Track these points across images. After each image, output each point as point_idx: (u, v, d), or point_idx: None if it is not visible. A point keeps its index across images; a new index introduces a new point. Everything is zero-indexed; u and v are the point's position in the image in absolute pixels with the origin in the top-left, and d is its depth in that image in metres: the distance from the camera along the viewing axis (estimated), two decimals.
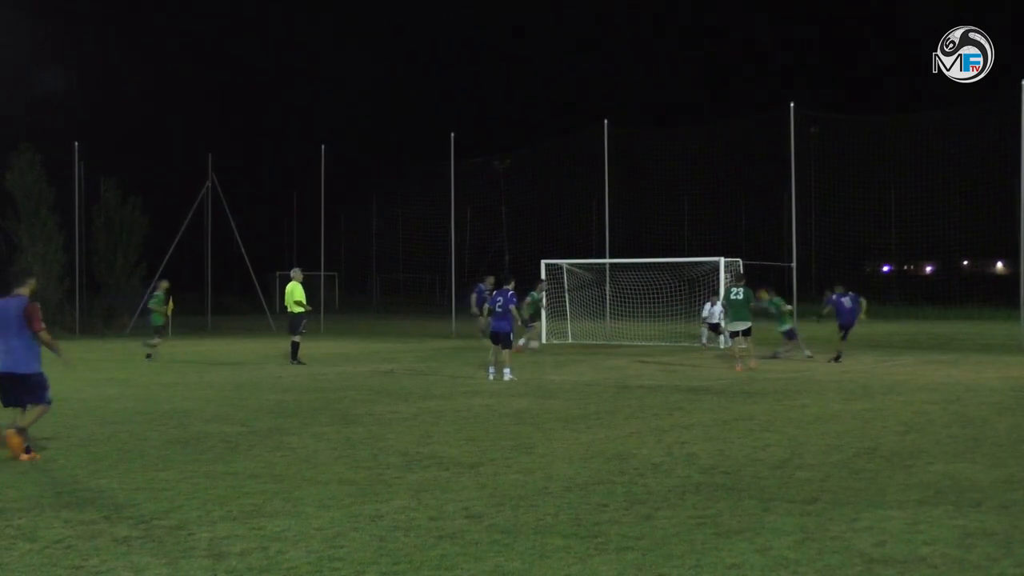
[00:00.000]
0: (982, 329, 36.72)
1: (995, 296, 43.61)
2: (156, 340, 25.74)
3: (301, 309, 23.90)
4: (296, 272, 24.47)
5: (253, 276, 42.89)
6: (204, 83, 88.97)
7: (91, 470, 10.23)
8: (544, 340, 31.35)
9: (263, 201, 65.37)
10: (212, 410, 15.08)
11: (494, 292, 19.98)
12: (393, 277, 65.62)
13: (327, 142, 41.35)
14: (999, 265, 59.00)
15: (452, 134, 37.94)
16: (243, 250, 42.06)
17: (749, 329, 22.44)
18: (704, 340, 29.88)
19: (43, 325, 11.11)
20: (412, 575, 6.63)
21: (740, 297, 22.74)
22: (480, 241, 56.86)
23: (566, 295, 33.17)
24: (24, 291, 11.24)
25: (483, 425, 13.34)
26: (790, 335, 25.73)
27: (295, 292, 23.85)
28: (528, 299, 28.53)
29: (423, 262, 55.85)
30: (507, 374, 19.44)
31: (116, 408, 15.26)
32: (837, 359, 23.70)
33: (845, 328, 24.16)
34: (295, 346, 23.98)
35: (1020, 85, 27.94)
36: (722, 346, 28.92)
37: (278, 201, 66.73)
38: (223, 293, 50.31)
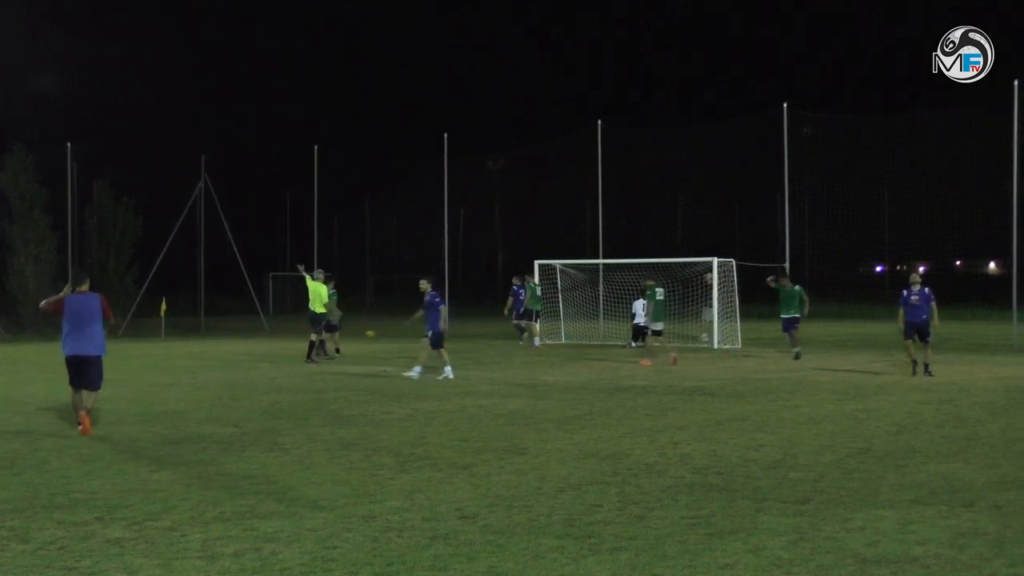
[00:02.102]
0: (975, 329, 36.76)
1: (988, 296, 43.70)
2: (336, 335, 26.80)
3: (323, 309, 24.68)
4: (320, 273, 25.23)
5: (246, 277, 42.84)
6: (197, 84, 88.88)
7: (84, 471, 10.21)
8: (537, 341, 31.38)
9: (256, 202, 65.30)
10: (205, 411, 15.07)
11: (431, 292, 19.91)
12: (387, 277, 65.59)
13: (320, 142, 41.36)
14: (992, 265, 59.15)
15: (445, 134, 37.95)
16: (236, 251, 42.02)
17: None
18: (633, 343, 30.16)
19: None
20: None
21: (662, 298, 24.28)
22: (474, 241, 56.87)
23: (559, 295, 33.20)
24: (85, 288, 13.44)
25: (476, 426, 13.34)
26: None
27: (321, 293, 24.62)
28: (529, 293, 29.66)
29: (417, 262, 55.86)
30: (417, 371, 19.75)
31: (109, 409, 15.22)
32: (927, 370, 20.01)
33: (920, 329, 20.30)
34: (311, 345, 24.71)
35: (1013, 86, 28.01)
36: (715, 346, 28.97)
37: (271, 202, 66.70)
38: (216, 294, 50.22)
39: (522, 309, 30.81)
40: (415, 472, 10.07)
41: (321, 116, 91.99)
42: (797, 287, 25.50)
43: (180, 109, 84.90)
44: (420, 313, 20.11)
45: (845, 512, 8.24)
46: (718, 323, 29.66)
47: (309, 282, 24.80)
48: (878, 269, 57.81)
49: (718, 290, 29.78)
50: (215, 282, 47.89)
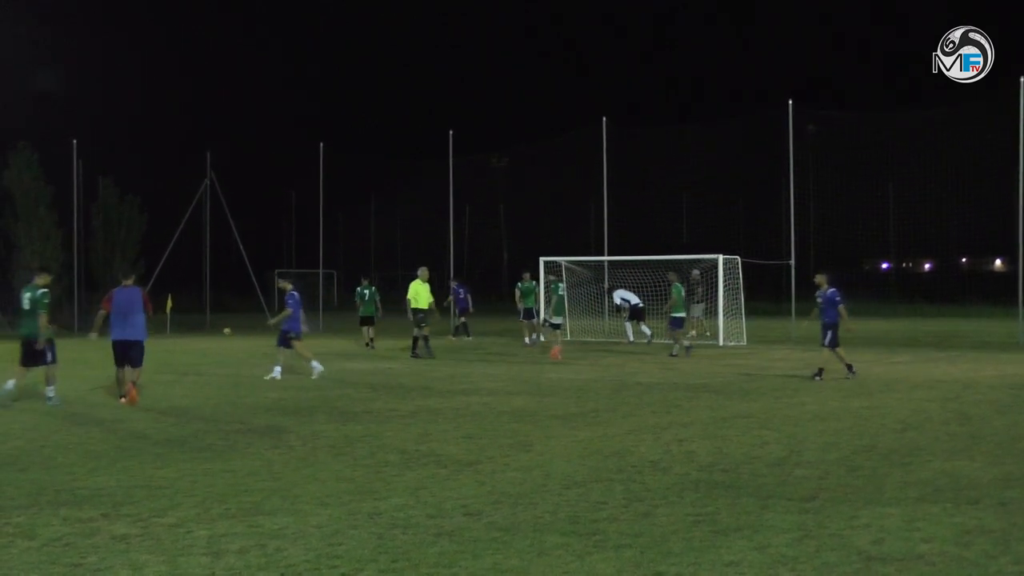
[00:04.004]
0: (980, 326, 36.74)
1: (993, 293, 43.64)
2: (370, 329, 29.26)
3: (427, 306, 25.02)
4: (424, 271, 25.56)
5: (252, 274, 42.86)
6: (202, 82, 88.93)
7: (89, 468, 10.23)
8: (541, 338, 31.39)
9: (261, 199, 65.33)
10: (210, 408, 15.09)
11: (291, 292, 19.99)
12: (391, 275, 65.61)
13: (325, 140, 41.34)
14: (997, 262, 59.03)
15: (450, 132, 37.94)
16: (242, 248, 42.04)
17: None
18: (631, 337, 30.02)
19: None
20: (410, 573, 6.63)
21: (563, 293, 25.28)
22: (478, 239, 56.86)
23: (564, 292, 33.17)
24: (130, 282, 15.99)
25: (481, 423, 13.34)
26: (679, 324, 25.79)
27: (421, 291, 24.95)
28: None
29: (421, 260, 55.86)
30: (277, 372, 19.51)
31: (114, 406, 15.26)
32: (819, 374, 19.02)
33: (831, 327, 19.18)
34: (415, 341, 25.13)
35: (1019, 83, 27.94)
36: (721, 343, 28.95)
37: (277, 199, 66.71)
38: (221, 291, 50.25)
39: (466, 307, 32.34)
40: (420, 469, 10.08)
41: (326, 115, 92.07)
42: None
43: (185, 107, 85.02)
44: (288, 312, 19.98)
45: (850, 509, 8.24)
46: (723, 320, 29.64)
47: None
48: (883, 266, 57.75)
49: (723, 287, 29.77)
50: (220, 279, 47.93)
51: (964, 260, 56.95)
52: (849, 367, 19.08)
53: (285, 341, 19.83)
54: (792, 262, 32.77)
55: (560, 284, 25.31)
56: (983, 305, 44.01)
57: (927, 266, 59.67)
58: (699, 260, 32.22)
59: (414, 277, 25.66)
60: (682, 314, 25.53)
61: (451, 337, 31.63)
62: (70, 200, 39.42)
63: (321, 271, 43.90)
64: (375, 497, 8.77)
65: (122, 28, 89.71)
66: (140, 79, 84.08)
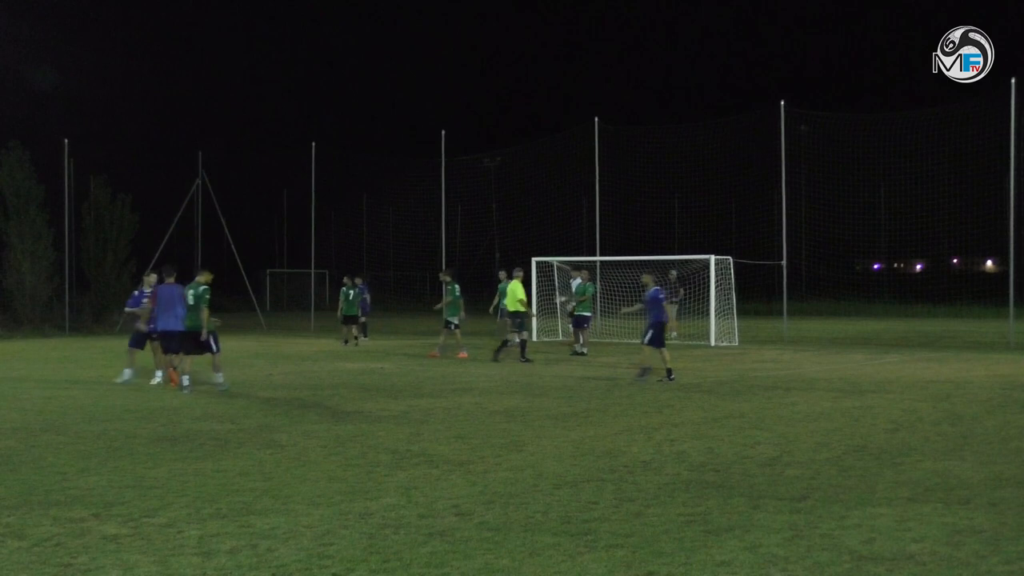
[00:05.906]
0: (971, 327, 36.83)
1: (984, 294, 43.76)
2: (353, 328, 30.12)
3: (524, 308, 24.27)
4: (519, 271, 25.02)
5: (244, 274, 42.77)
6: (194, 80, 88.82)
7: (80, 467, 10.20)
8: (535, 337, 31.39)
9: (253, 198, 65.21)
10: (202, 407, 15.06)
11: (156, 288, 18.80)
12: (383, 275, 65.61)
13: (317, 139, 41.29)
14: (989, 263, 59.18)
15: (443, 132, 37.92)
16: (233, 247, 41.95)
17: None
18: (580, 347, 26.31)
19: None
20: (402, 573, 6.63)
21: (459, 294, 24.92)
22: (471, 239, 56.83)
23: (556, 292, 33.18)
24: (172, 280, 17.44)
25: (473, 423, 13.34)
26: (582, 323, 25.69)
27: (518, 291, 23.96)
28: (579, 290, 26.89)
29: (413, 260, 55.88)
30: (160, 376, 18.40)
31: (105, 405, 15.22)
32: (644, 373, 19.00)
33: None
34: (523, 344, 23.84)
35: (1009, 84, 28.01)
36: (712, 344, 28.95)
37: (268, 198, 66.61)
38: (213, 291, 50.13)
39: (367, 310, 31.81)
40: (411, 469, 10.07)
41: (319, 113, 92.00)
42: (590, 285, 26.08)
43: (177, 106, 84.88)
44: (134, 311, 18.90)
45: (841, 509, 8.25)
46: (715, 320, 29.67)
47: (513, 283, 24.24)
48: (875, 267, 57.84)
49: (715, 288, 29.80)
50: (212, 278, 47.81)
51: (955, 261, 57.07)
52: (668, 372, 18.55)
53: (138, 342, 18.76)
54: (784, 262, 32.81)
55: (455, 285, 24.81)
56: (974, 305, 44.10)
57: (919, 266, 59.79)
58: (691, 260, 32.24)
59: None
60: (588, 313, 25.67)
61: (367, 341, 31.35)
62: (62, 199, 39.29)
63: (313, 270, 43.83)
64: (366, 497, 8.77)
65: (114, 27, 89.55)
66: (132, 78, 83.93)
